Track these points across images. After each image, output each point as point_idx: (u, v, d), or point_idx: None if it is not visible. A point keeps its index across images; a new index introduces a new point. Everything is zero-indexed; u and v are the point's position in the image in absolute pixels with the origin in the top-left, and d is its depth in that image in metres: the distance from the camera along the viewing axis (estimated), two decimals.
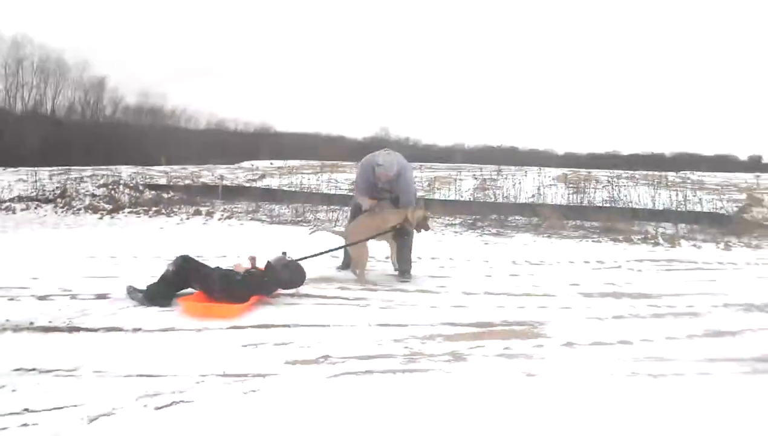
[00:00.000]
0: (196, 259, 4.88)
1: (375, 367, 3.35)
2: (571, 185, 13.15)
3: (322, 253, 5.42)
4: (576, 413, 2.84)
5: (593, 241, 8.88)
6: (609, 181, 12.80)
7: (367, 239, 5.53)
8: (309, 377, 3.19)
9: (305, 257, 5.12)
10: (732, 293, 5.52)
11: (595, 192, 12.47)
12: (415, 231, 5.66)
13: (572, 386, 3.17)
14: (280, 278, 4.75)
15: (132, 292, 4.64)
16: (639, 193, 11.88)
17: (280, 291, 4.90)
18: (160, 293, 4.58)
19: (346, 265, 6.02)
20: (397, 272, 5.84)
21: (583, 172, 17.39)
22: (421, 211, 5.64)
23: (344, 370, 3.29)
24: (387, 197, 5.78)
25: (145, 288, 4.63)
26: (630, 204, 11.57)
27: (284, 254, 4.93)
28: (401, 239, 5.75)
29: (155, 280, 4.68)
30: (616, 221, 10.31)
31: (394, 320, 4.32)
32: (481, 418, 2.76)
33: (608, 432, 2.66)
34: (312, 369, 3.32)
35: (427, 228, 5.69)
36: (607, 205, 11.65)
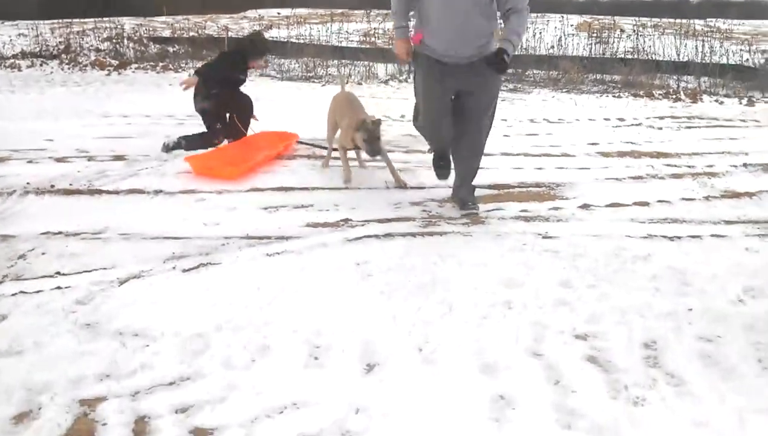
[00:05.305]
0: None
1: (395, 230, 3.41)
2: (593, 35, 12.48)
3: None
4: (591, 272, 2.92)
5: (614, 96, 8.62)
6: (634, 30, 12.11)
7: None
8: (331, 240, 3.26)
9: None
10: (752, 152, 5.41)
11: (618, 42, 11.86)
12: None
13: (587, 247, 3.23)
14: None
15: (167, 146, 4.83)
16: (663, 44, 11.29)
17: (297, 153, 4.92)
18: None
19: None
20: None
21: (607, 20, 16.46)
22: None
23: (365, 233, 3.36)
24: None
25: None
26: (653, 56, 11.06)
27: None
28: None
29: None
30: (638, 75, 9.93)
31: (412, 181, 4.31)
32: (501, 274, 2.85)
33: (622, 293, 2.74)
34: (333, 232, 3.38)
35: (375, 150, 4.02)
36: (630, 56, 11.14)
